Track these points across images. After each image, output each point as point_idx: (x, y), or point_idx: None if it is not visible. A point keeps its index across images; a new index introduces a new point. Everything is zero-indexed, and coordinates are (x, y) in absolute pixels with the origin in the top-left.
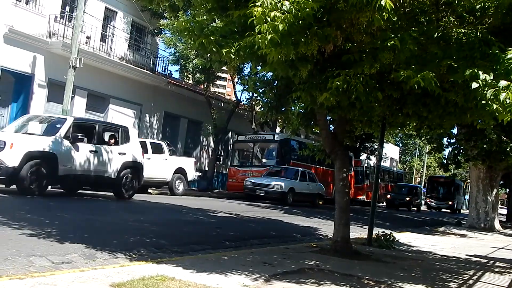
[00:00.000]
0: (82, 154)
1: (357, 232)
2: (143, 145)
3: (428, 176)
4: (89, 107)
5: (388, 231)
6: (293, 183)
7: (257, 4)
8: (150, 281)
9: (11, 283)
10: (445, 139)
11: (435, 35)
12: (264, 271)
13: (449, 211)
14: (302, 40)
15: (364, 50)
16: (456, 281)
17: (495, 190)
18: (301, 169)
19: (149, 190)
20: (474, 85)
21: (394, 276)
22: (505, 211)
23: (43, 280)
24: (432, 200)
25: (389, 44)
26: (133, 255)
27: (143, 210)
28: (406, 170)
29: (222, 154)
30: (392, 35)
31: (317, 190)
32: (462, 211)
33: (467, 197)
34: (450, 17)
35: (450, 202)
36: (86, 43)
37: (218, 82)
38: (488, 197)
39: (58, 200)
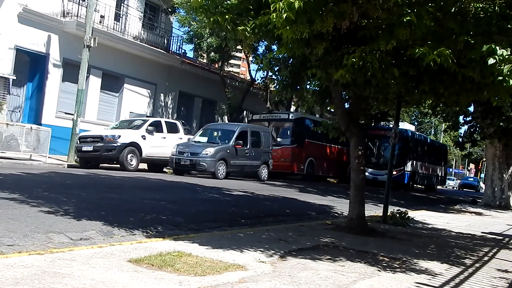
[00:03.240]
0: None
1: (372, 210)
2: (158, 124)
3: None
4: (104, 86)
5: (403, 209)
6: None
7: None
8: (167, 257)
9: (31, 259)
10: (461, 117)
11: (452, 10)
12: (279, 248)
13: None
14: (318, 17)
15: (380, 26)
16: (471, 257)
17: (511, 168)
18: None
19: (164, 169)
20: (491, 61)
21: (409, 252)
22: None
23: (62, 256)
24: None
25: (405, 20)
26: (150, 232)
27: (159, 188)
28: None
29: None
30: (409, 11)
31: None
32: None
33: (474, 175)
34: None
35: (395, 172)
36: (100, 22)
37: (232, 61)
38: (504, 175)
39: (74, 178)
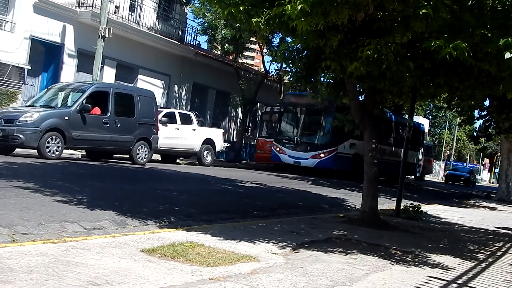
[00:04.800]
0: None
1: (385, 203)
2: (172, 115)
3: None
4: (118, 77)
5: (416, 203)
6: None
7: None
8: (180, 247)
9: (45, 247)
10: (476, 111)
11: (469, 3)
12: (291, 240)
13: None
14: (333, 9)
15: (395, 18)
16: (484, 252)
17: None
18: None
19: (177, 160)
20: (508, 55)
21: (421, 246)
22: None
23: (75, 245)
24: (285, 149)
25: (421, 12)
26: (163, 223)
27: (172, 179)
28: (436, 142)
29: (251, 125)
30: (425, 3)
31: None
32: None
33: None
34: None
35: (323, 154)
36: (115, 13)
37: (246, 53)
38: None
39: (88, 168)
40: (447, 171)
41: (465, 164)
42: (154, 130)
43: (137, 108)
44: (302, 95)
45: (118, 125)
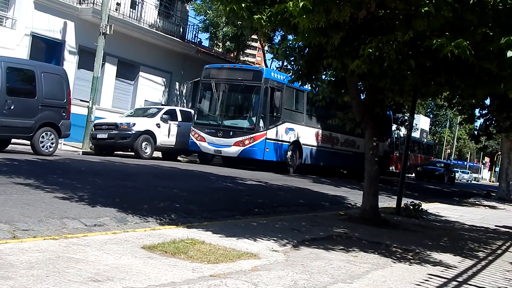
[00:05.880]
0: None
1: (386, 202)
2: (173, 112)
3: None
4: (119, 74)
5: (416, 201)
6: None
7: None
8: (180, 244)
9: (45, 243)
10: (477, 110)
11: (471, 2)
12: (292, 237)
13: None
14: (335, 6)
15: (397, 16)
16: (485, 250)
17: None
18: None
19: (178, 158)
20: (509, 53)
21: (422, 244)
22: None
23: (76, 241)
24: (205, 135)
25: (423, 11)
26: (164, 220)
27: (173, 176)
28: (436, 141)
29: None
30: (427, 1)
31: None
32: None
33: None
34: None
35: (248, 141)
36: (116, 9)
37: (248, 50)
38: None
39: (88, 165)
40: (422, 167)
41: (465, 162)
42: (64, 114)
43: (39, 87)
44: (224, 68)
45: (12, 107)
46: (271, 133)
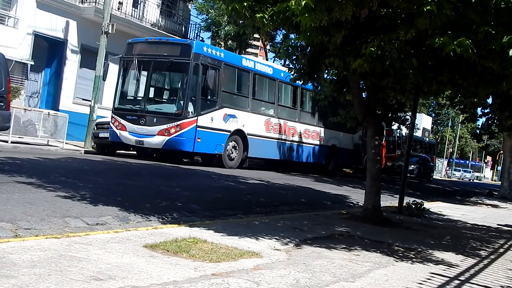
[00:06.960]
0: None
1: (388, 200)
2: None
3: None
4: None
5: (418, 200)
6: None
7: None
8: (182, 243)
9: (47, 242)
10: (479, 109)
11: (473, 1)
12: (294, 236)
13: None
14: (337, 5)
15: (399, 15)
16: (487, 249)
17: None
18: None
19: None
20: None
21: (424, 243)
22: None
23: (78, 240)
24: (125, 123)
25: (425, 9)
26: (166, 218)
27: (175, 175)
28: (438, 140)
29: None
30: (429, 0)
31: None
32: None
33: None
34: None
35: (174, 129)
36: (119, 8)
37: (250, 49)
38: None
39: (91, 164)
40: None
41: (467, 161)
42: (2, 104)
43: None
44: (147, 42)
45: None
46: (203, 120)
